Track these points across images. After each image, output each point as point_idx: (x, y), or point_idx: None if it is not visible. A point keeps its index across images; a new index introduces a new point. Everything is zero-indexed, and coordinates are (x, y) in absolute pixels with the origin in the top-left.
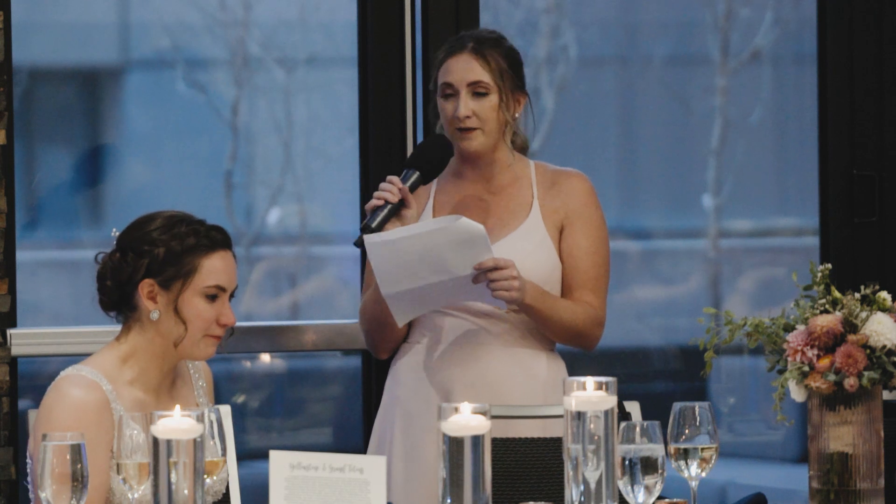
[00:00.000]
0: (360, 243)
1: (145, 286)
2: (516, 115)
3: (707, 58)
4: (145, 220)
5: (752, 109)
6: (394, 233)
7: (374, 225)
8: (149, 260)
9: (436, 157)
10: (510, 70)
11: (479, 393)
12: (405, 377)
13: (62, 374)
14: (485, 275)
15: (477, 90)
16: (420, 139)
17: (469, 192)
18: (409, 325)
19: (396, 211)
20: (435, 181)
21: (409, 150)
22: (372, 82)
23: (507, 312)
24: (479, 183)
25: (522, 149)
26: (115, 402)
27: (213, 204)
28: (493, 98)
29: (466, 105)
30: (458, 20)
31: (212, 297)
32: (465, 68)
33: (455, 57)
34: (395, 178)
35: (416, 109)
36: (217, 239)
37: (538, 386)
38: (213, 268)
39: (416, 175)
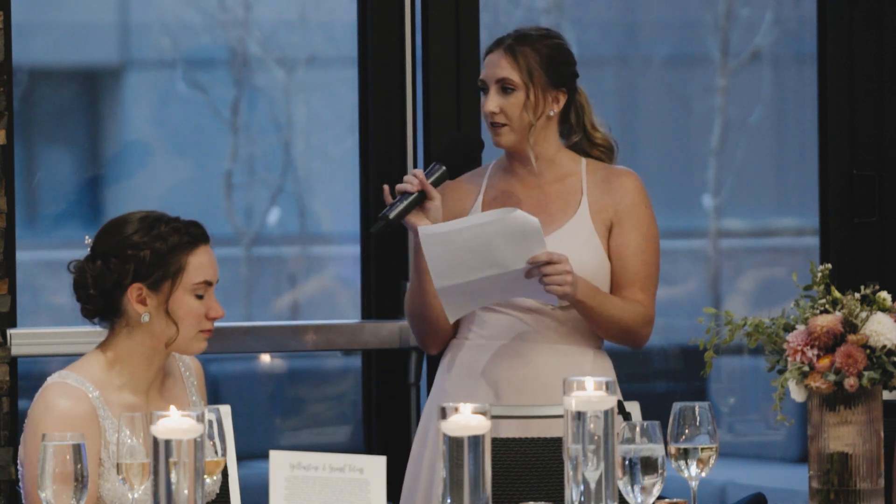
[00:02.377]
0: (377, 231)
1: (134, 290)
2: (550, 113)
3: (707, 58)
4: (119, 224)
5: (752, 109)
6: (447, 225)
7: (391, 215)
8: (135, 264)
9: (460, 152)
10: (543, 68)
11: (527, 391)
12: (455, 372)
13: (48, 381)
14: (538, 269)
15: (504, 86)
16: (420, 139)
17: (518, 187)
18: (459, 321)
19: (419, 203)
20: (486, 178)
21: (409, 150)
22: (372, 82)
23: (554, 309)
24: (527, 178)
25: (608, 148)
26: (103, 409)
27: (213, 204)
28: (520, 96)
29: (493, 101)
30: (458, 20)
31: (200, 294)
32: (494, 65)
33: (491, 54)
34: (417, 171)
35: (416, 109)
36: (198, 234)
37: None
38: (200, 264)
39: (441, 169)
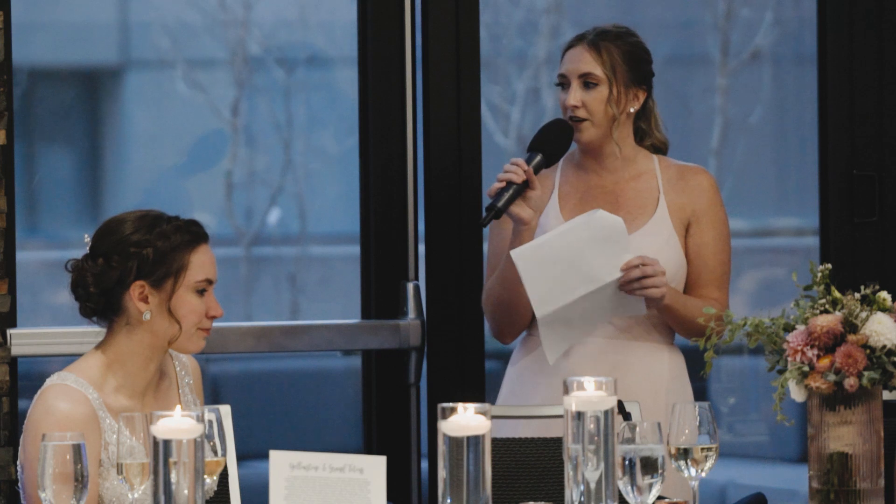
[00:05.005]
0: (485, 223)
1: (136, 288)
2: (631, 109)
3: (707, 58)
4: (119, 223)
5: (752, 109)
6: (536, 240)
7: (499, 205)
8: (137, 261)
9: (557, 140)
10: (626, 64)
11: None
12: (528, 374)
13: (47, 383)
14: (634, 271)
15: (587, 81)
16: (420, 139)
17: (594, 183)
18: (534, 317)
19: (521, 192)
20: (559, 173)
21: (409, 150)
22: (372, 82)
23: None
24: (603, 175)
25: (659, 147)
26: (102, 411)
27: (213, 204)
28: (603, 90)
29: (575, 95)
30: (458, 20)
31: (201, 292)
32: (577, 60)
33: (572, 49)
34: (519, 160)
35: (416, 109)
36: (199, 233)
37: (663, 381)
38: (201, 262)
39: (539, 157)
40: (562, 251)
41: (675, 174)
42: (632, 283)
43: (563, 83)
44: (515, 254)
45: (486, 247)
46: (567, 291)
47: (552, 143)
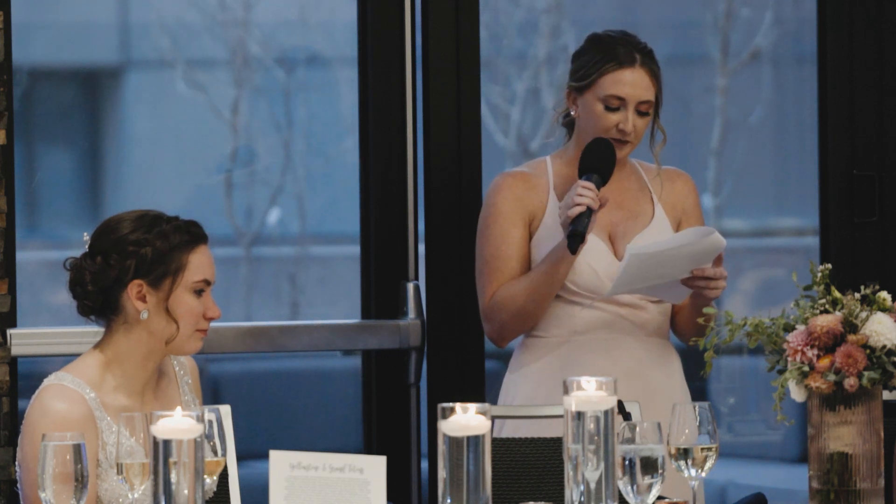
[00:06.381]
0: (575, 250)
1: (134, 287)
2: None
3: (707, 58)
4: (118, 222)
5: (752, 109)
6: (652, 246)
7: (583, 230)
8: (136, 260)
9: (607, 159)
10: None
11: (626, 385)
12: (542, 376)
13: (45, 383)
14: (707, 271)
15: (641, 108)
16: (420, 139)
17: None
18: None
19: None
20: (551, 175)
21: (409, 150)
22: (372, 82)
23: (642, 299)
24: None
25: None
26: (99, 411)
27: (213, 204)
28: (651, 114)
29: (632, 121)
30: (458, 20)
31: (199, 292)
32: (639, 86)
33: (628, 70)
34: (588, 184)
35: (416, 109)
36: (198, 234)
37: (676, 377)
38: (199, 262)
39: (595, 177)
40: (666, 259)
41: (660, 176)
42: (698, 281)
43: (618, 106)
44: (633, 253)
45: None
46: (642, 283)
47: (602, 162)
